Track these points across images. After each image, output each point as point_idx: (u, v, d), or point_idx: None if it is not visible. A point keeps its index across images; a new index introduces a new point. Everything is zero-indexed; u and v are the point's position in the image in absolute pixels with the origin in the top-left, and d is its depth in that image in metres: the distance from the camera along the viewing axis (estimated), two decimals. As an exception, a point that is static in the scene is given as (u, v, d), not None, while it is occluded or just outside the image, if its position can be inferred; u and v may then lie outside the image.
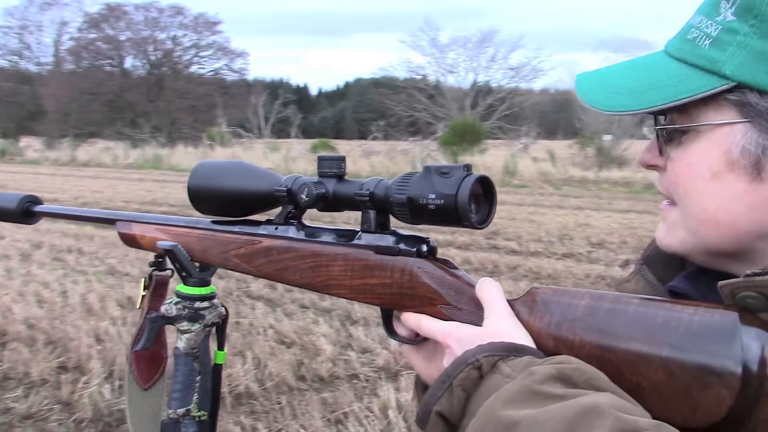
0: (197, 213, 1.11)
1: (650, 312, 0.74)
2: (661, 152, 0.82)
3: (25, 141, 37.89)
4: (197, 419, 1.08)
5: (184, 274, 1.09)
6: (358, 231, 0.94)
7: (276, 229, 1.01)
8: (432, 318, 0.87)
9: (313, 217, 1.01)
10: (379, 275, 0.90)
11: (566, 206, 14.01)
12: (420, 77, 35.99)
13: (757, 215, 0.75)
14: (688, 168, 0.78)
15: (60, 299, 6.57)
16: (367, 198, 0.91)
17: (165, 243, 1.10)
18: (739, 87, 0.73)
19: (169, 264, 1.13)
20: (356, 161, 21.85)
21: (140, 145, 31.56)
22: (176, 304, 1.09)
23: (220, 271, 1.12)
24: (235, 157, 18.66)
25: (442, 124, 28.53)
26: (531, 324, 0.80)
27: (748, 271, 0.71)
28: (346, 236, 0.95)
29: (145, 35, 42.71)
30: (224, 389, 4.26)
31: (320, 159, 0.97)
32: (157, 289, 1.15)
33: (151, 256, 1.16)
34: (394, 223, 0.94)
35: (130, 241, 1.17)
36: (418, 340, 0.91)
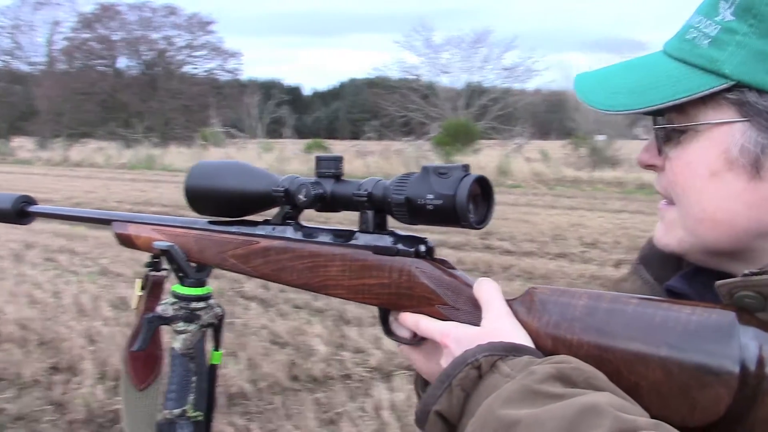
0: (191, 213, 1.10)
1: (648, 312, 0.74)
2: (659, 152, 0.82)
3: (17, 141, 37.74)
4: (193, 420, 1.08)
5: (180, 274, 1.09)
6: (356, 231, 0.94)
7: (273, 229, 1.01)
8: (430, 318, 0.87)
9: (305, 217, 1.01)
10: (377, 275, 0.90)
11: (559, 206, 14.05)
12: (414, 77, 36.01)
13: (755, 214, 0.76)
14: (687, 167, 0.79)
15: (52, 300, 6.55)
16: (365, 198, 0.91)
17: (162, 243, 1.09)
18: (738, 86, 0.73)
19: (165, 264, 1.13)
20: (350, 161, 21.84)
21: (133, 146, 31.45)
22: (172, 304, 1.08)
23: (213, 271, 1.12)
24: (229, 158, 18.61)
25: (435, 124, 28.53)
26: (529, 324, 0.80)
27: (746, 271, 0.72)
28: (343, 236, 0.95)
29: (138, 35, 42.57)
30: (218, 389, 4.25)
31: (318, 159, 0.97)
32: (153, 289, 1.15)
33: (145, 257, 1.16)
34: (391, 223, 0.94)
35: (126, 241, 1.17)
36: (416, 340, 0.91)
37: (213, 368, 1.13)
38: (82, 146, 34.15)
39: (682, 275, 0.87)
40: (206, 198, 1.06)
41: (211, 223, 1.08)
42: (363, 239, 0.93)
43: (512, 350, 0.75)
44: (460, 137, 24.40)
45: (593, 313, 0.76)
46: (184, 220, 1.12)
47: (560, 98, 34.37)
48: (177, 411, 1.07)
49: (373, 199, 0.90)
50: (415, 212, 0.86)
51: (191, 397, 1.08)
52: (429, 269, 0.88)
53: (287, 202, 0.99)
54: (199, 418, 1.09)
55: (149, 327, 1.08)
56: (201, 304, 1.09)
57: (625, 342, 0.73)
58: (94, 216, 1.24)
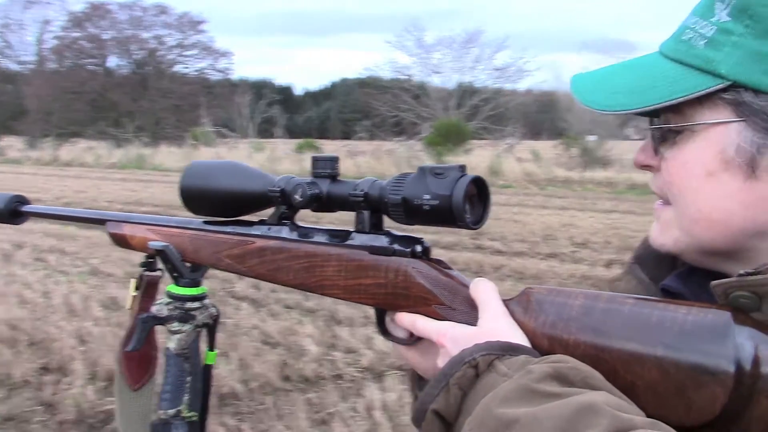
0: (183, 213, 1.10)
1: (645, 312, 0.74)
2: (655, 152, 0.83)
3: (6, 140, 37.53)
4: (187, 420, 1.08)
5: (175, 274, 1.08)
6: (352, 231, 0.94)
7: (269, 229, 1.01)
8: (427, 318, 0.87)
9: (298, 218, 1.01)
10: (373, 276, 0.90)
11: (551, 206, 14.09)
12: (405, 77, 36.03)
13: (751, 213, 0.76)
14: (683, 167, 0.79)
15: (42, 300, 6.52)
16: (362, 198, 0.91)
17: (156, 243, 1.09)
18: (734, 86, 0.74)
19: (159, 264, 1.12)
20: (341, 161, 21.73)
21: (123, 145, 31.34)
22: (167, 304, 1.08)
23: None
24: (219, 157, 18.61)
25: (427, 125, 28.54)
26: (526, 323, 0.81)
27: (741, 271, 0.72)
28: (339, 236, 0.95)
29: (129, 34, 42.43)
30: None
31: (314, 159, 0.97)
32: (147, 289, 1.14)
33: (135, 257, 1.15)
34: (386, 223, 0.94)
35: (120, 241, 1.16)
36: (412, 340, 0.91)
37: (208, 368, 1.13)
38: (72, 146, 34.01)
39: (677, 275, 0.88)
40: (201, 198, 1.06)
41: (206, 223, 1.08)
42: (359, 239, 0.93)
43: (509, 350, 0.75)
44: (451, 137, 24.43)
45: (589, 313, 0.77)
46: (179, 220, 1.12)
47: (551, 98, 34.44)
48: (172, 411, 1.07)
49: (370, 200, 0.90)
50: (411, 212, 0.86)
51: (186, 398, 1.08)
52: (425, 269, 0.88)
53: (283, 202, 0.98)
54: (194, 419, 1.08)
55: (144, 327, 1.07)
56: (196, 304, 1.09)
57: (621, 342, 0.74)
58: (89, 216, 1.24)
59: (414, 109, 33.00)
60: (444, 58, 35.39)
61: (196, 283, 1.09)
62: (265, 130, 36.34)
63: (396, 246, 0.90)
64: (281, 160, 23.53)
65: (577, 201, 15.13)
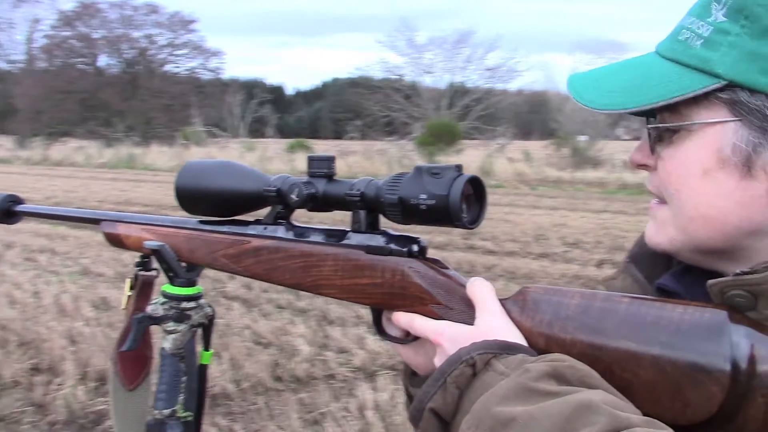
0: (174, 213, 1.10)
1: (641, 311, 0.75)
2: (652, 151, 0.83)
3: (-5, 140, 37.36)
4: (183, 420, 1.08)
5: (171, 274, 1.08)
6: (348, 231, 0.94)
7: (265, 229, 1.00)
8: (424, 317, 0.87)
9: (294, 217, 1.01)
10: (370, 275, 0.90)
11: (542, 206, 14.12)
12: (397, 77, 36.00)
13: (746, 212, 0.77)
14: (679, 166, 0.79)
15: (32, 300, 6.49)
16: (358, 198, 0.91)
17: (152, 243, 1.08)
18: (730, 86, 0.75)
19: (154, 264, 1.12)
20: (333, 161, 21.73)
21: (114, 145, 31.20)
22: (162, 304, 1.08)
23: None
24: (211, 157, 18.57)
25: (418, 125, 28.56)
26: (522, 323, 0.81)
27: (737, 270, 0.73)
28: (335, 236, 0.95)
29: (119, 33, 42.27)
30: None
31: (310, 159, 0.96)
32: (142, 289, 1.14)
33: (126, 256, 1.15)
34: (383, 222, 0.94)
35: (115, 241, 1.16)
36: (408, 339, 0.92)
37: (203, 368, 1.13)
38: (62, 145, 33.83)
39: (673, 274, 0.88)
40: (197, 197, 1.06)
41: (202, 222, 1.08)
42: (355, 239, 0.93)
43: (506, 348, 0.76)
44: (443, 137, 24.45)
45: (586, 312, 0.77)
46: (174, 220, 1.11)
47: (542, 98, 34.55)
48: (167, 411, 1.07)
49: (366, 199, 0.91)
50: (408, 212, 0.86)
51: (181, 397, 1.08)
52: (422, 269, 0.88)
53: (279, 202, 0.98)
54: (189, 419, 1.08)
55: (139, 327, 1.07)
56: (191, 304, 1.09)
57: (617, 341, 0.74)
58: (83, 216, 1.23)
59: (405, 109, 32.99)
60: (435, 58, 35.40)
61: (191, 283, 1.09)
62: (256, 130, 36.26)
63: (393, 245, 0.90)
64: (272, 160, 23.49)
65: (568, 201, 15.17)
